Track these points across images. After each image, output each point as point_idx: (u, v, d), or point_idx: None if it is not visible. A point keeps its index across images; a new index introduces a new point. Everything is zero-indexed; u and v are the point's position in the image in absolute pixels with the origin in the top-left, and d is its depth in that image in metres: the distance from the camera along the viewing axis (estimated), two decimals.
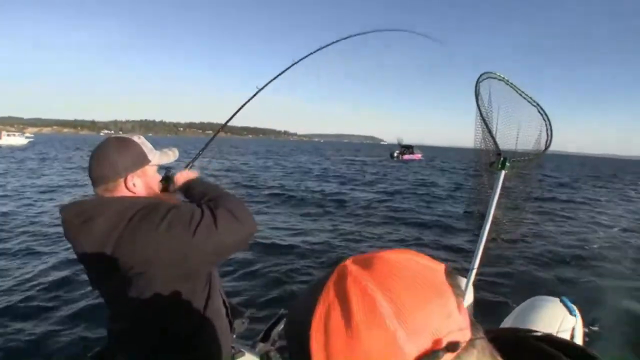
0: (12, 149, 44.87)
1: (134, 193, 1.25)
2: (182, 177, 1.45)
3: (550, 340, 0.54)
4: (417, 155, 51.81)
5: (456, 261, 6.79)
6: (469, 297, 2.18)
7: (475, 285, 2.15)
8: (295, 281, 5.67)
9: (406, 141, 55.05)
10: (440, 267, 0.48)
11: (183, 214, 1.14)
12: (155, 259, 1.11)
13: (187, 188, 1.40)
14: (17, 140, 56.13)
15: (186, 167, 1.60)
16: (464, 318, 0.45)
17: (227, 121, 1.97)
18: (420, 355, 0.40)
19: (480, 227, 1.99)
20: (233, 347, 1.46)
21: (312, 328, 0.44)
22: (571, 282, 6.38)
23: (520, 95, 2.09)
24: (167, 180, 1.43)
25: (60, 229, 1.22)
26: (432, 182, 22.23)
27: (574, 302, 2.16)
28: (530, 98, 2.10)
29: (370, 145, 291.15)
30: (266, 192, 14.82)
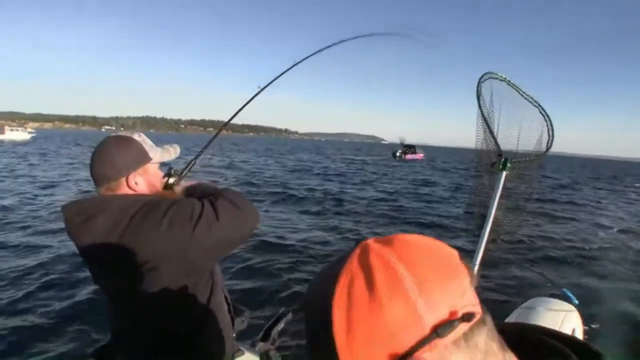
0: (16, 143, 44.92)
1: (136, 191, 1.24)
2: (184, 185, 1.45)
3: (555, 335, 0.55)
4: (420, 155, 51.79)
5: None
6: None
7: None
8: (295, 280, 5.67)
9: (407, 141, 55.03)
10: (454, 252, 0.50)
11: (184, 209, 1.14)
12: (158, 256, 1.11)
13: (191, 190, 1.40)
14: (20, 135, 56.22)
15: (188, 165, 1.60)
16: (475, 298, 0.48)
17: (229, 120, 1.97)
18: (437, 324, 0.42)
19: (481, 227, 1.99)
20: (232, 346, 1.46)
21: (335, 296, 0.45)
22: (571, 283, 6.38)
23: (522, 95, 2.09)
24: (171, 175, 1.43)
25: (61, 225, 1.22)
26: (433, 182, 22.22)
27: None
28: (532, 99, 2.09)
29: (371, 145, 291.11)
30: (267, 190, 14.84)
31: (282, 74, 1.98)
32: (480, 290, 0.48)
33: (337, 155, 52.90)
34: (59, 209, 1.22)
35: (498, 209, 1.96)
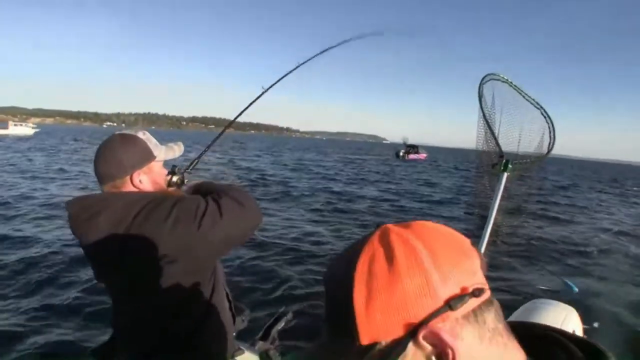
0: (19, 138, 44.93)
1: (141, 189, 1.25)
2: (191, 183, 1.47)
3: (562, 332, 0.57)
4: (422, 155, 51.86)
5: None
6: None
7: None
8: (296, 280, 5.65)
9: (410, 141, 55.12)
10: (467, 239, 0.54)
11: (188, 206, 1.15)
12: (162, 254, 1.11)
13: (198, 188, 1.42)
14: (24, 130, 56.24)
15: (192, 163, 1.61)
16: (484, 280, 0.51)
17: (234, 120, 1.99)
18: (450, 297, 0.46)
19: (481, 228, 1.99)
20: (233, 345, 1.46)
21: (357, 269, 0.48)
22: (562, 278, 6.38)
23: (524, 97, 2.09)
24: (175, 173, 1.43)
25: (58, 220, 1.22)
26: (434, 183, 22.21)
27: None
28: (534, 100, 2.09)
29: (373, 144, 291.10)
30: (268, 188, 14.84)
31: (285, 75, 1.99)
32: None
33: (340, 155, 52.86)
34: (56, 203, 1.22)
35: (499, 210, 1.97)
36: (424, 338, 0.45)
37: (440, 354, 0.46)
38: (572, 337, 0.55)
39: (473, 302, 0.47)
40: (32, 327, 4.03)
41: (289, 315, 1.83)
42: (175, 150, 1.40)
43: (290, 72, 2.00)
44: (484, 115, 2.00)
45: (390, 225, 0.53)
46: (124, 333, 1.29)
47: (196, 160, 1.64)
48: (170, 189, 1.39)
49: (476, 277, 0.49)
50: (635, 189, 31.33)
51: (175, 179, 1.42)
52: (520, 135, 2.08)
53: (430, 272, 0.46)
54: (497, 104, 2.04)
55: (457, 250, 0.50)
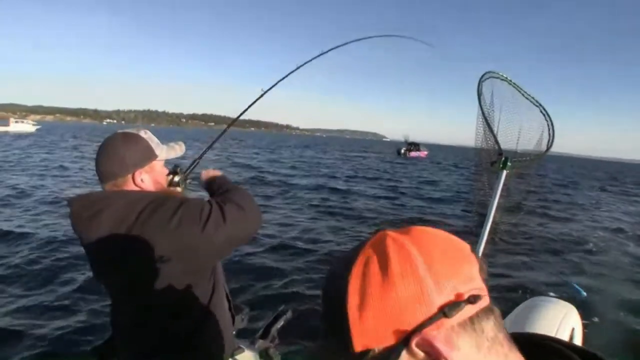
0: (20, 135, 44.83)
1: (142, 188, 1.25)
2: (208, 173, 1.50)
3: (563, 342, 0.56)
4: (423, 153, 51.98)
5: None
6: None
7: None
8: (295, 278, 5.66)
9: (410, 139, 55.26)
10: (466, 245, 0.53)
11: (193, 209, 1.15)
12: (165, 254, 1.11)
13: (210, 183, 1.45)
14: (25, 127, 56.10)
15: (193, 163, 1.61)
16: (483, 286, 0.50)
17: (232, 122, 1.99)
18: (444, 304, 0.45)
19: (480, 226, 1.99)
20: (232, 343, 1.46)
21: (351, 275, 0.48)
22: (571, 281, 6.39)
23: (523, 95, 2.09)
24: (177, 173, 1.44)
25: (56, 215, 1.22)
26: (435, 180, 22.22)
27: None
28: (533, 98, 2.09)
29: (373, 142, 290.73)
30: (268, 187, 14.82)
31: (284, 77, 2.01)
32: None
33: (341, 152, 52.85)
34: (56, 201, 1.22)
35: (498, 208, 1.97)
36: (417, 346, 0.45)
37: None
38: (573, 347, 0.55)
39: (470, 310, 0.46)
40: (31, 325, 4.02)
41: (289, 314, 1.84)
42: (177, 150, 1.41)
43: (288, 75, 2.02)
44: (482, 113, 2.00)
45: (388, 231, 0.53)
46: (124, 332, 1.29)
47: (197, 161, 1.64)
48: (171, 188, 1.39)
49: (473, 283, 0.48)
50: (630, 186, 31.41)
51: (176, 178, 1.43)
52: (519, 133, 2.08)
53: (424, 279, 0.45)
54: (496, 101, 2.04)
55: (454, 255, 0.49)
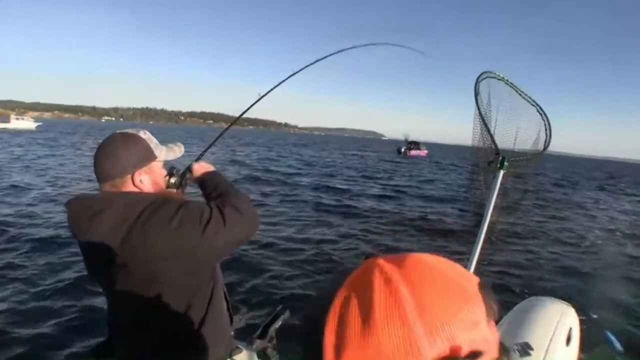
0: (21, 132, 44.61)
1: (141, 189, 1.24)
2: (201, 168, 1.48)
3: None
4: (424, 152, 52.22)
5: (453, 261, 6.80)
6: None
7: None
8: (293, 279, 5.66)
9: (410, 138, 55.54)
10: (475, 278, 0.46)
11: (193, 211, 1.15)
12: (165, 255, 1.11)
13: (203, 180, 1.43)
14: (26, 124, 55.67)
15: (197, 159, 1.61)
16: (493, 336, 0.42)
17: (227, 128, 2.00)
18: (436, 359, 0.37)
19: (477, 225, 1.99)
20: (230, 343, 1.47)
21: (330, 311, 0.42)
22: (568, 282, 6.42)
23: (520, 95, 2.09)
24: (173, 174, 1.43)
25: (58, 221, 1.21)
26: (434, 179, 22.26)
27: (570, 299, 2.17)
28: (530, 98, 2.10)
29: (372, 140, 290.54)
30: (266, 186, 14.80)
31: (280, 83, 2.02)
32: None
33: (338, 151, 52.85)
34: (56, 200, 1.22)
35: (495, 207, 1.97)
36: None
37: None
38: None
39: None
40: (27, 327, 4.00)
41: (286, 314, 1.84)
42: (176, 151, 1.40)
43: (285, 80, 2.03)
44: (480, 113, 2.00)
45: (379, 260, 0.46)
46: (123, 333, 1.29)
47: (198, 160, 1.64)
48: (170, 190, 1.39)
49: (477, 332, 0.40)
50: (623, 185, 31.56)
51: (173, 180, 1.42)
52: (516, 132, 2.09)
53: (414, 327, 0.38)
54: (493, 101, 2.05)
55: (455, 296, 0.41)
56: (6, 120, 53.53)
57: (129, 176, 1.22)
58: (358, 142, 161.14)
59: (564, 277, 6.67)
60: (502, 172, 1.95)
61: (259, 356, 1.71)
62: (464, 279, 0.44)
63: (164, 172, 1.38)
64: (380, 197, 13.97)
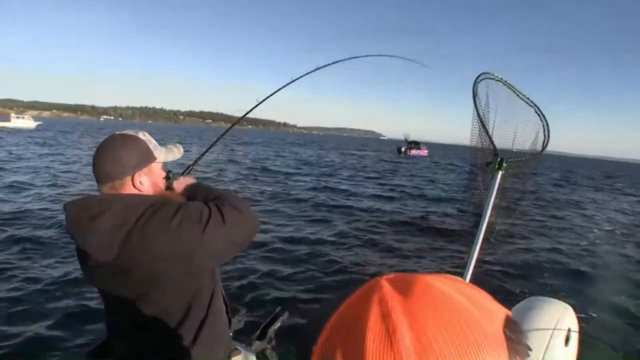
0: (22, 131, 44.48)
1: (141, 191, 1.24)
2: (181, 184, 1.44)
3: None
4: (424, 152, 52.31)
5: (452, 261, 6.83)
6: None
7: None
8: (292, 280, 5.67)
9: (410, 137, 55.64)
10: (501, 312, 0.38)
11: (193, 211, 1.15)
12: (165, 257, 1.11)
13: (191, 192, 1.40)
14: (26, 123, 55.36)
15: (188, 167, 1.61)
16: None
17: (223, 134, 2.01)
18: None
19: (475, 226, 1.99)
20: (229, 345, 1.47)
21: (318, 342, 0.38)
22: (567, 281, 6.43)
23: (518, 95, 2.09)
24: (170, 177, 1.43)
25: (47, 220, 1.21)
26: (434, 179, 22.29)
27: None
28: (528, 99, 2.10)
29: (371, 140, 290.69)
30: (265, 186, 14.77)
31: (279, 90, 2.02)
32: None
33: (338, 151, 52.84)
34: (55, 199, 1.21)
35: (493, 208, 1.97)
36: None
37: None
38: None
39: None
40: (25, 327, 4.00)
41: (285, 315, 1.85)
42: (175, 153, 1.40)
43: (283, 87, 2.06)
44: (478, 114, 2.01)
45: (382, 282, 0.39)
46: (122, 334, 1.29)
47: (191, 167, 1.64)
48: (169, 192, 1.39)
49: None
50: (621, 185, 31.68)
51: (169, 183, 1.42)
52: (514, 133, 2.09)
53: None
54: (492, 103, 2.05)
55: (469, 337, 0.33)
56: (6, 119, 53.35)
57: (129, 177, 1.21)
58: (357, 141, 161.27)
59: (563, 277, 6.68)
60: (500, 173, 1.95)
61: (258, 357, 1.71)
62: (485, 316, 0.36)
63: (163, 174, 1.37)
64: (380, 197, 13.97)
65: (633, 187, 29.94)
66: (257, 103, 1.95)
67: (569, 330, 2.14)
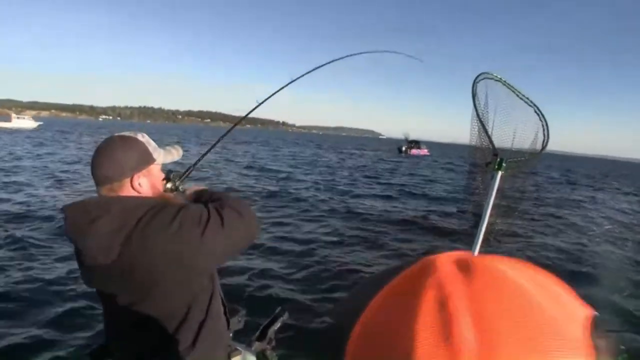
0: (22, 131, 44.39)
1: (140, 193, 1.23)
2: (193, 190, 1.48)
3: None
4: (424, 151, 52.36)
5: None
6: None
7: None
8: (292, 280, 5.66)
9: (410, 137, 55.65)
10: (585, 311, 0.32)
11: (192, 214, 1.15)
12: (165, 260, 1.11)
13: (198, 196, 1.43)
14: (27, 123, 55.26)
15: (188, 169, 1.62)
16: None
17: (228, 131, 2.01)
18: None
19: (475, 226, 1.99)
20: (229, 346, 1.47)
21: (361, 317, 0.33)
22: (567, 281, 6.34)
23: (517, 95, 2.09)
24: (170, 179, 1.43)
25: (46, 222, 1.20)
26: (433, 179, 22.28)
27: None
28: (527, 99, 2.10)
29: (370, 139, 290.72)
30: (265, 186, 14.74)
31: (278, 90, 2.03)
32: None
33: (337, 150, 52.82)
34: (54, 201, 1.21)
35: (493, 208, 1.97)
36: None
37: None
38: None
39: None
40: (24, 328, 3.98)
41: (285, 316, 1.85)
42: (174, 154, 1.40)
43: (282, 88, 2.06)
44: (477, 113, 2.01)
45: (438, 262, 0.33)
46: (121, 337, 1.29)
47: (191, 169, 1.64)
48: (168, 194, 1.39)
49: None
50: (619, 184, 31.83)
51: (169, 185, 1.42)
52: (514, 133, 2.09)
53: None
54: (491, 103, 2.05)
55: (543, 340, 0.27)
56: (7, 119, 53.30)
57: (128, 179, 1.21)
58: (356, 141, 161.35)
59: (563, 276, 6.47)
60: (500, 173, 1.95)
61: (258, 358, 1.71)
62: (565, 316, 0.29)
63: (162, 176, 1.37)
64: (380, 197, 13.96)
65: (632, 187, 30.00)
66: (258, 104, 1.95)
67: None
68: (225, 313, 1.47)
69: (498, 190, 1.97)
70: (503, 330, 0.27)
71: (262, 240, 7.20)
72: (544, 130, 2.14)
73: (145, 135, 1.31)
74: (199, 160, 1.71)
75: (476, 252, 1.95)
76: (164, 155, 1.35)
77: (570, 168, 57.13)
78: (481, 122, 2.01)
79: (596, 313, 0.32)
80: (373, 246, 7.70)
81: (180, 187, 1.48)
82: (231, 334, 1.56)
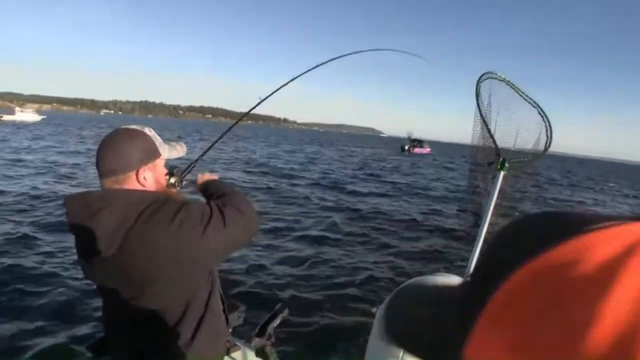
0: (26, 124, 44.39)
1: (144, 187, 1.22)
2: (203, 178, 1.52)
3: None
4: (427, 149, 52.35)
5: (452, 262, 6.84)
6: None
7: None
8: (292, 277, 5.67)
9: (413, 135, 55.66)
10: None
11: (194, 211, 1.15)
12: (165, 255, 1.11)
13: (206, 186, 1.46)
14: (31, 116, 55.43)
15: (190, 165, 1.62)
16: None
17: (230, 128, 2.01)
18: None
19: (475, 226, 1.99)
20: (228, 341, 1.47)
21: (524, 265, 0.26)
22: None
23: (521, 96, 2.09)
24: (173, 174, 1.43)
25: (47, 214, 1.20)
26: (435, 178, 22.28)
27: None
28: (531, 99, 2.09)
29: (370, 137, 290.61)
30: (265, 183, 14.77)
31: (280, 88, 2.03)
32: None
33: (338, 147, 52.84)
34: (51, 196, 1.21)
35: (494, 208, 1.97)
36: None
37: None
38: None
39: None
40: (24, 323, 3.99)
41: (285, 312, 1.85)
42: (178, 151, 1.40)
43: (284, 85, 2.06)
44: (480, 113, 2.00)
45: None
46: (120, 331, 1.29)
47: (194, 164, 1.64)
48: (171, 189, 1.39)
49: None
50: (618, 185, 31.83)
51: (172, 180, 1.42)
52: (517, 133, 2.08)
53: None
54: (494, 103, 2.04)
55: None
56: (10, 112, 53.35)
57: (134, 172, 1.20)
58: (357, 138, 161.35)
59: None
60: (502, 173, 1.95)
61: (257, 354, 1.71)
62: None
63: (165, 171, 1.37)
64: (382, 195, 13.97)
65: (632, 189, 30.00)
66: (260, 101, 1.95)
67: None
68: (224, 309, 1.47)
69: (500, 190, 1.96)
70: None
71: (262, 236, 7.22)
72: (547, 131, 2.14)
73: (152, 130, 1.30)
74: (201, 155, 1.71)
75: (477, 252, 1.95)
76: (169, 151, 1.34)
77: (570, 169, 57.10)
78: (484, 122, 2.00)
79: None
80: (373, 244, 7.71)
81: (182, 183, 1.48)
82: (230, 330, 1.56)
